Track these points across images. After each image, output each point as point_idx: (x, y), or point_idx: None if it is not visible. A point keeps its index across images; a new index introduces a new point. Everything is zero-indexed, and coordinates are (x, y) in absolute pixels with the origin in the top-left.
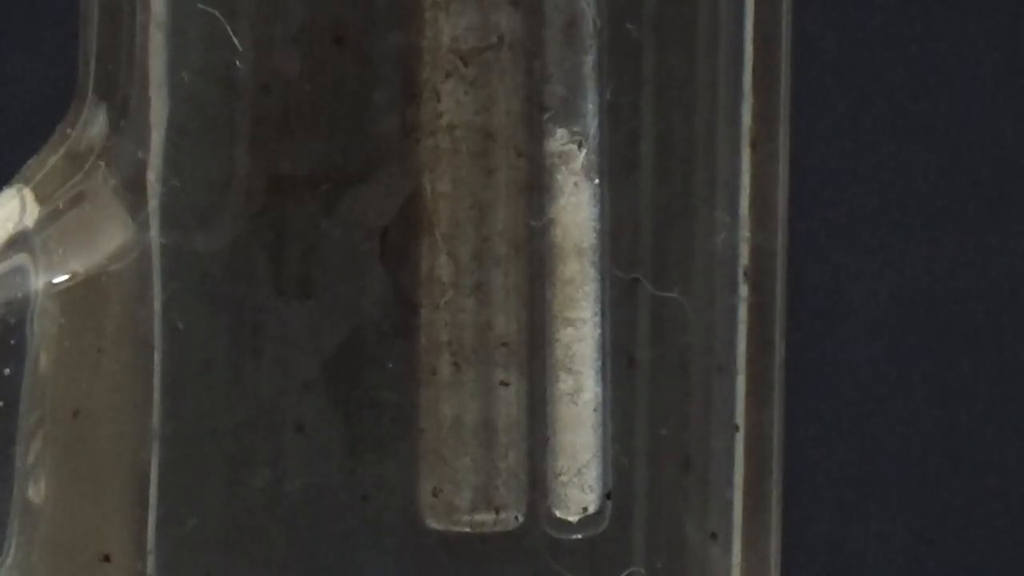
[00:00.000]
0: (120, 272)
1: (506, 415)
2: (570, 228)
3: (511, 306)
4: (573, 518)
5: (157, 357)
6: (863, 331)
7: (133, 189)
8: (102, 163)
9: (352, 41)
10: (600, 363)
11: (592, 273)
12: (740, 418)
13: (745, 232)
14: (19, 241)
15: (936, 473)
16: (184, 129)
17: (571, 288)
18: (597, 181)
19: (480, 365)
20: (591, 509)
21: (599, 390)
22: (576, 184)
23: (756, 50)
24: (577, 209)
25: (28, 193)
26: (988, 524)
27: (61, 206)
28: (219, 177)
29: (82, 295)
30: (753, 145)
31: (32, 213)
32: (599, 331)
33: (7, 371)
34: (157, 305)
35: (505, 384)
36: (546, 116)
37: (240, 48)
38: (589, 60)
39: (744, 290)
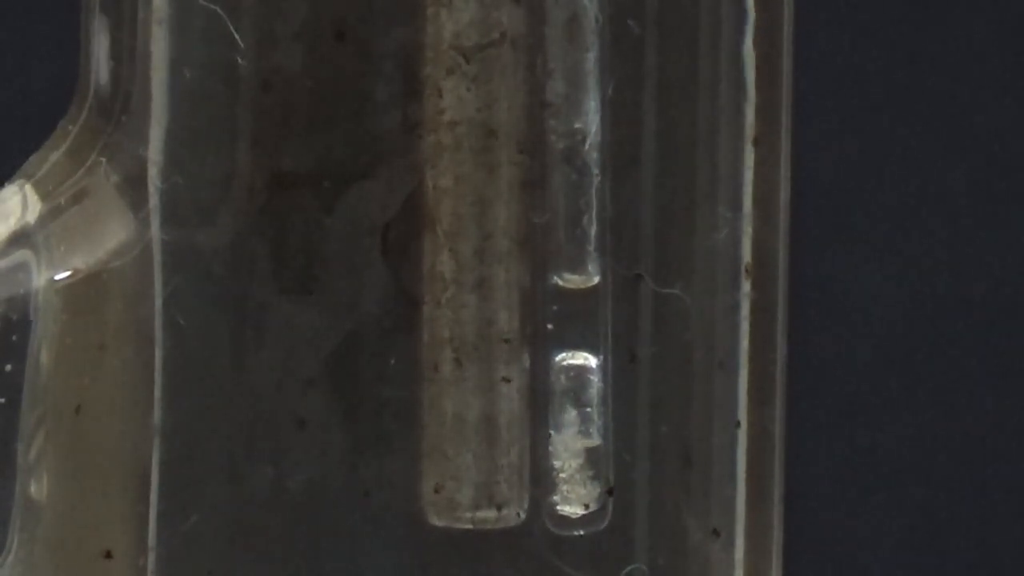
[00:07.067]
0: (122, 268)
1: (508, 411)
2: (571, 224)
3: (513, 302)
4: (575, 515)
5: (158, 354)
6: (865, 327)
7: (135, 186)
8: (104, 160)
9: (354, 37)
10: (602, 359)
11: (594, 269)
12: (742, 415)
13: (747, 228)
14: (21, 237)
15: (937, 470)
16: (186, 126)
17: (572, 284)
18: (599, 177)
19: (482, 361)
20: (593, 506)
21: (601, 386)
22: (578, 180)
23: (758, 46)
24: (579, 205)
25: (30, 189)
26: (988, 523)
27: (63, 203)
28: (221, 174)
29: (84, 291)
30: (755, 141)
31: (34, 209)
32: (601, 328)
33: (9, 367)
34: (158, 302)
35: (507, 380)
36: (548, 112)
37: (242, 44)
38: (591, 56)
39: (746, 286)
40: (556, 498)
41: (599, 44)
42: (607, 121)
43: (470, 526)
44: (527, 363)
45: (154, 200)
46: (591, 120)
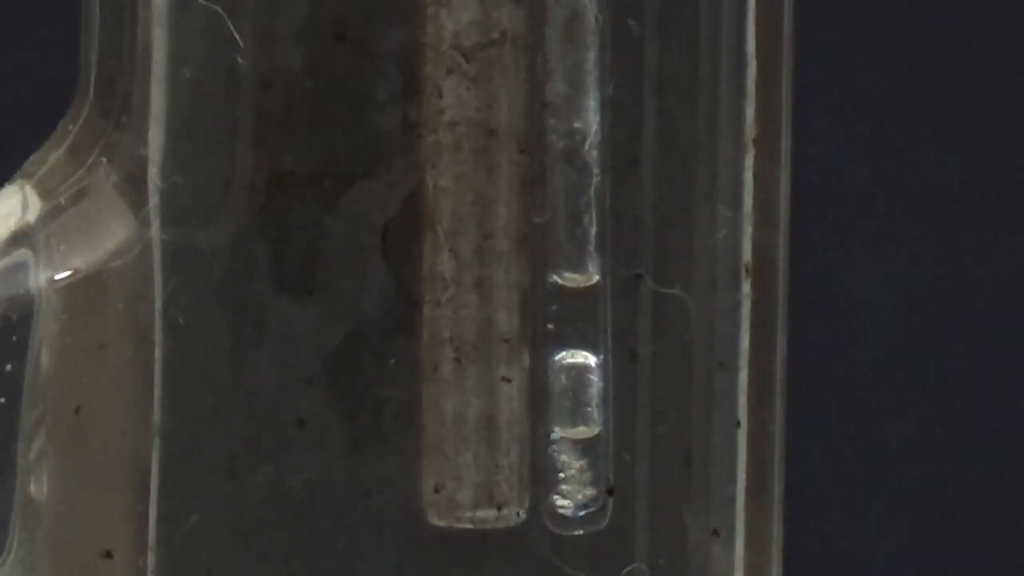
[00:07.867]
0: (121, 268)
1: (508, 411)
2: (571, 224)
3: (513, 302)
4: (575, 514)
5: (158, 353)
6: (865, 327)
7: (135, 185)
8: (104, 159)
9: (354, 37)
10: (602, 359)
11: (594, 269)
12: (742, 414)
13: (747, 228)
14: (21, 237)
15: (938, 469)
16: (186, 125)
17: (572, 284)
18: (599, 177)
19: (482, 361)
20: (593, 505)
21: (601, 386)
22: (577, 180)
23: (758, 46)
24: (579, 205)
25: (30, 189)
26: (988, 523)
27: (63, 202)
28: (221, 173)
29: (84, 291)
30: (755, 141)
31: (34, 209)
32: (600, 327)
33: (9, 367)
34: (158, 302)
35: (507, 380)
36: (548, 112)
37: (242, 44)
38: (591, 56)
39: (746, 286)
40: (556, 498)
41: (599, 44)
42: (607, 121)
43: (470, 526)
44: (527, 363)
45: (154, 200)
46: (591, 120)
